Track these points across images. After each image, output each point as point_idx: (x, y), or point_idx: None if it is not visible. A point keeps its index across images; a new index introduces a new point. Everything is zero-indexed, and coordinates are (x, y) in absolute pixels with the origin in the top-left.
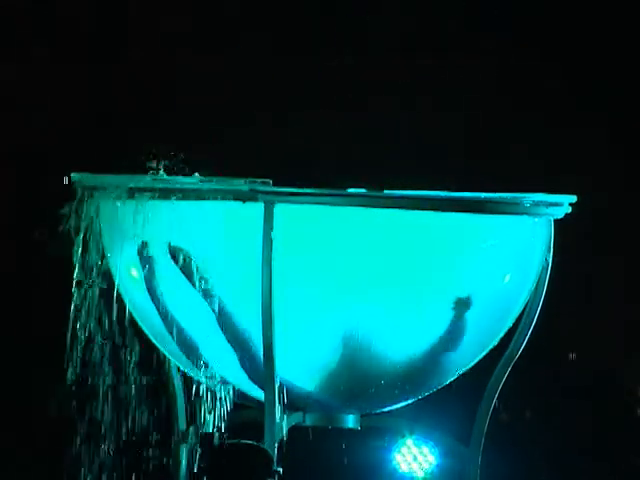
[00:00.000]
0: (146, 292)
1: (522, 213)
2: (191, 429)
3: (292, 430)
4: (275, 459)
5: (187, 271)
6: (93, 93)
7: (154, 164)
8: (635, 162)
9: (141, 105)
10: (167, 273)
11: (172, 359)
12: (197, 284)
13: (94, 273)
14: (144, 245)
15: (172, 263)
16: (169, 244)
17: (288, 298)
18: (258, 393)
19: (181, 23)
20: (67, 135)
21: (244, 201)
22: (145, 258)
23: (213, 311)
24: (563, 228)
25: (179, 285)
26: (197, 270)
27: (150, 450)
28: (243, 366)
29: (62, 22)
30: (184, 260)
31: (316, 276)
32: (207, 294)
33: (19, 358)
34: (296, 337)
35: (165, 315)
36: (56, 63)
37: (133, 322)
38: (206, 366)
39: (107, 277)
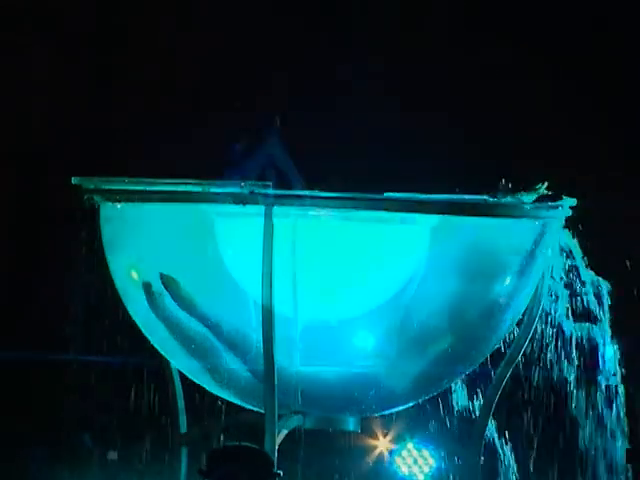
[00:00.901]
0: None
1: (522, 216)
2: (192, 431)
3: (292, 432)
4: (275, 461)
5: (179, 299)
6: (93, 93)
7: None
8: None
9: (141, 105)
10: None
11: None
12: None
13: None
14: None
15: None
16: (160, 274)
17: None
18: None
19: (178, 32)
20: (67, 135)
21: (244, 204)
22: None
23: (208, 328)
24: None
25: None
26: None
27: (151, 451)
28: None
29: (62, 23)
30: (175, 288)
31: (316, 277)
32: (199, 318)
33: (20, 357)
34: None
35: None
36: (56, 63)
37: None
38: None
39: (107, 278)
